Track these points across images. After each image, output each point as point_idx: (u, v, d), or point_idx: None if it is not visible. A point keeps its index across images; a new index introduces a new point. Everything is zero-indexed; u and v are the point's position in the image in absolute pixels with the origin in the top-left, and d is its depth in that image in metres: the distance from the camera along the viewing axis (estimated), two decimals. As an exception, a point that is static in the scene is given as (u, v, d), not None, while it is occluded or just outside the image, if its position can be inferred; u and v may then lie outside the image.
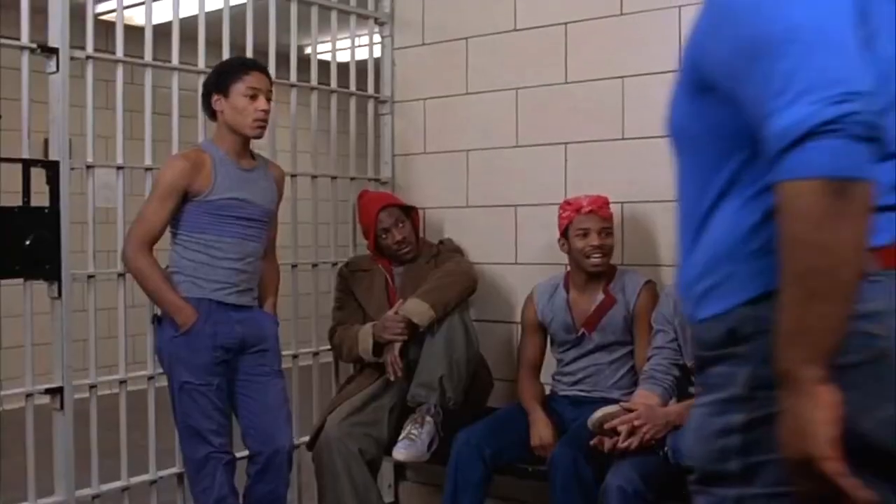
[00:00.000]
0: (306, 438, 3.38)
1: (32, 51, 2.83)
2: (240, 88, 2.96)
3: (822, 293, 1.14)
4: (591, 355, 3.20)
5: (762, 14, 1.19)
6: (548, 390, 3.35)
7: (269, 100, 3.02)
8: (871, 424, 1.19)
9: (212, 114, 3.05)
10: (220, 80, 3.00)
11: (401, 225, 3.45)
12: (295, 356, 3.61)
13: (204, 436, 2.95)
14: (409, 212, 3.55)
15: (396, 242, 3.43)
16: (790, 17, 1.16)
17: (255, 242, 3.08)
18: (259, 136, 3.05)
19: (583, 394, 3.20)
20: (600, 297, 3.19)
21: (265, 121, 3.01)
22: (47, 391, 2.88)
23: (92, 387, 3.04)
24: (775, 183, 1.14)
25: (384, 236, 3.44)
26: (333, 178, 3.88)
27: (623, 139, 3.41)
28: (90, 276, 3.03)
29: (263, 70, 3.07)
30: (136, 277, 2.94)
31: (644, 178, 3.29)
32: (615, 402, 2.94)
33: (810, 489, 1.16)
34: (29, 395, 2.86)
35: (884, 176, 1.20)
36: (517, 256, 3.71)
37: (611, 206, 3.20)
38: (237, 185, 3.01)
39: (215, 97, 3.00)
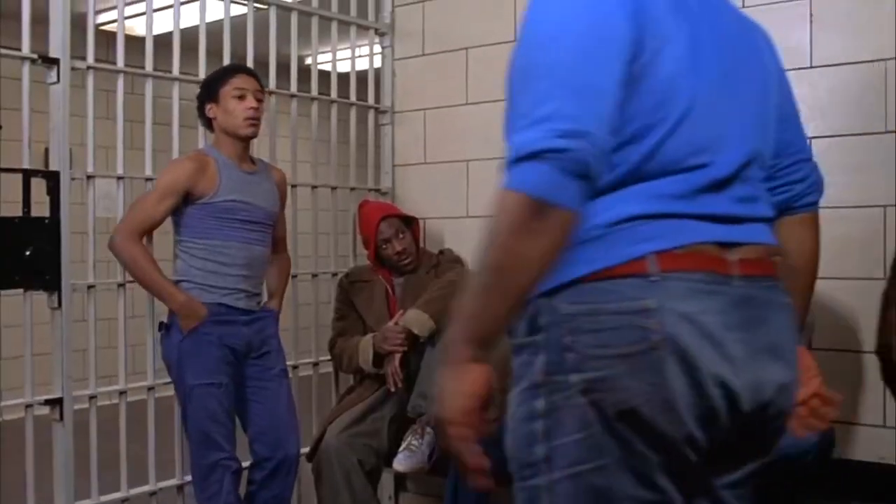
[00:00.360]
0: (306, 449, 3.37)
1: (33, 61, 2.84)
2: (228, 91, 3.02)
3: (495, 289, 1.31)
4: None
5: (533, 47, 1.35)
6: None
7: (259, 100, 3.07)
8: (648, 411, 1.32)
9: (208, 123, 3.10)
10: (210, 88, 3.06)
11: (401, 235, 3.45)
12: (295, 367, 3.60)
13: (215, 440, 2.96)
14: (410, 222, 3.55)
15: (397, 253, 3.43)
16: (553, 55, 1.32)
17: (260, 247, 3.11)
18: (253, 135, 3.08)
19: None
20: None
21: (256, 119, 3.05)
22: (47, 402, 2.87)
23: (92, 397, 3.04)
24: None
25: (384, 247, 3.44)
26: (333, 188, 3.88)
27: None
28: (90, 287, 3.03)
29: (248, 72, 3.12)
30: (129, 266, 2.94)
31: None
32: None
33: (445, 447, 1.34)
34: (29, 406, 2.85)
35: (667, 187, 1.37)
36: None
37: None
38: (240, 187, 3.05)
39: (208, 106, 3.06)
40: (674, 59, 1.39)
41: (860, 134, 3.06)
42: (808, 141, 1.74)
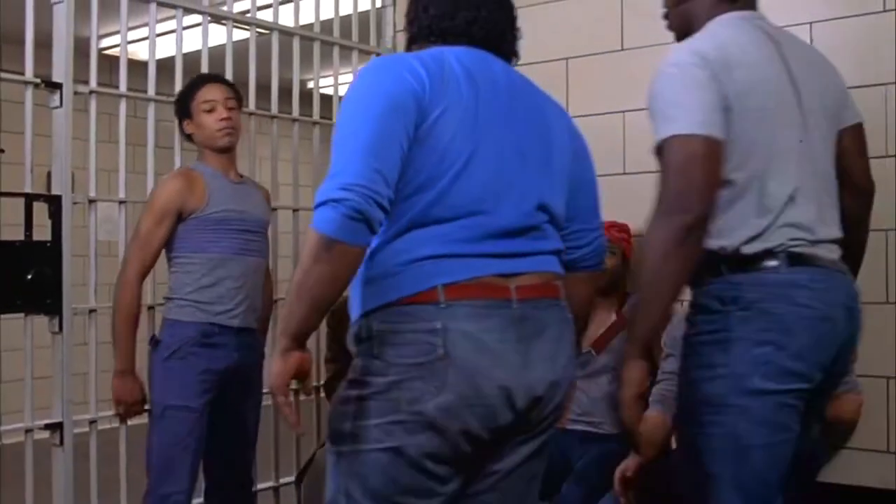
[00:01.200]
0: (291, 478, 3.37)
1: (36, 86, 2.85)
2: (197, 105, 3.02)
3: (299, 300, 1.69)
4: (598, 378, 3.10)
5: (342, 120, 1.75)
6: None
7: (230, 108, 3.04)
8: (432, 408, 1.70)
9: (189, 139, 3.11)
10: (182, 105, 3.07)
11: None
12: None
13: (176, 470, 2.89)
14: None
15: None
16: (352, 126, 1.71)
17: (256, 256, 3.08)
18: (230, 144, 3.06)
19: (591, 429, 3.12)
20: (612, 318, 3.14)
21: (230, 128, 3.03)
22: (47, 426, 2.86)
23: (92, 422, 3.03)
24: None
25: None
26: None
27: (624, 174, 3.41)
28: (91, 311, 3.02)
29: (215, 80, 3.10)
30: (118, 305, 2.90)
31: (647, 212, 3.28)
32: None
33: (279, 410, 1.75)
34: (29, 431, 2.84)
35: (454, 233, 1.75)
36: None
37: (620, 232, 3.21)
38: (232, 197, 3.03)
39: (185, 123, 3.06)
40: (456, 122, 1.76)
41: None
42: (598, 212, 2.10)
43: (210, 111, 3.00)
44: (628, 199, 3.37)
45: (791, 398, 1.93)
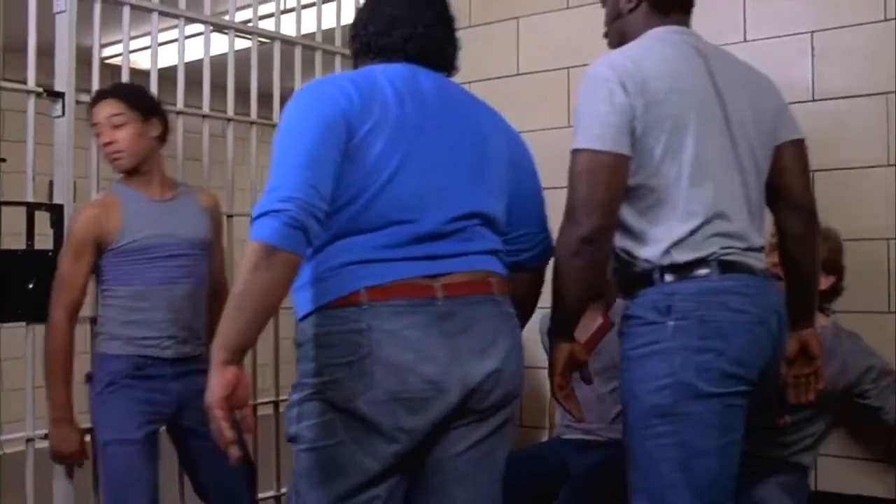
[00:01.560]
0: (270, 493, 3.36)
1: (38, 95, 2.85)
2: (93, 130, 2.83)
3: (240, 311, 1.72)
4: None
5: (278, 139, 1.86)
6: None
7: (116, 126, 2.76)
8: (363, 404, 1.81)
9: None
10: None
11: None
12: (255, 406, 3.48)
13: None
14: None
15: None
16: (287, 144, 1.83)
17: (188, 283, 2.82)
18: (125, 168, 2.80)
19: (588, 436, 3.13)
20: (599, 321, 3.15)
21: (117, 151, 2.77)
22: (47, 436, 2.85)
23: (91, 430, 3.01)
24: None
25: None
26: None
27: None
28: (92, 319, 3.01)
29: (103, 96, 2.83)
30: (47, 351, 2.69)
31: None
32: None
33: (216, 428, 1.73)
34: (29, 440, 2.83)
35: (379, 240, 1.86)
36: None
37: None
38: (154, 221, 2.79)
39: None
40: (383, 138, 1.88)
41: (862, 167, 3.06)
42: (542, 216, 2.16)
43: (98, 135, 2.79)
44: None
45: (735, 400, 2.01)
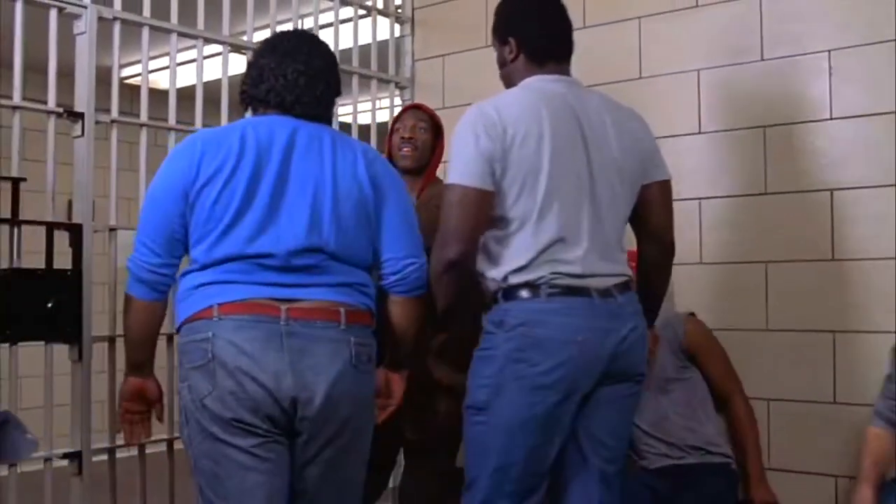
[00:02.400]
0: None
1: (59, 115, 2.87)
2: None
3: (126, 341, 2.40)
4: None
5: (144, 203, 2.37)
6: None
7: None
8: (210, 402, 2.15)
9: None
10: None
11: (421, 127, 3.25)
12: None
13: None
14: (439, 133, 3.33)
15: (402, 138, 3.21)
16: (144, 208, 2.34)
17: None
18: None
19: (673, 461, 3.07)
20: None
21: None
22: (66, 455, 2.86)
23: (111, 451, 3.02)
24: None
25: (398, 128, 3.24)
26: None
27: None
28: (111, 339, 3.03)
29: None
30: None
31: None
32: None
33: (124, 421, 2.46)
34: (48, 460, 2.84)
35: (232, 268, 2.22)
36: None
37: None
38: None
39: None
40: (219, 187, 2.21)
41: (880, 186, 3.05)
42: (405, 242, 2.40)
43: None
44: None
45: (542, 408, 2.29)
